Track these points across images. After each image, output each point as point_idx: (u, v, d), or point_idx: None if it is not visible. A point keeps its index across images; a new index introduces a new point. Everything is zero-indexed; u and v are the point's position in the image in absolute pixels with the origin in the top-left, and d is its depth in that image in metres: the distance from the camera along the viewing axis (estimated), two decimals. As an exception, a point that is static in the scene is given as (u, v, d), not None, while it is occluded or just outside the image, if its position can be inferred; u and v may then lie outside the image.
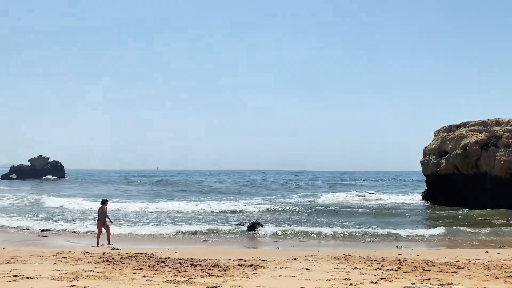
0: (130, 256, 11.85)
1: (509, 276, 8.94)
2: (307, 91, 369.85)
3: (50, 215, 24.59)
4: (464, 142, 29.87)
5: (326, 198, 40.39)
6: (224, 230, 19.29)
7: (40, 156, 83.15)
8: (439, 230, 19.20)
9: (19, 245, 14.75)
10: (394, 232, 18.90)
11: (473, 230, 19.29)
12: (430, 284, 7.81)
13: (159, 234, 18.44)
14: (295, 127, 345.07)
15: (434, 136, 35.03)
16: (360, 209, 29.59)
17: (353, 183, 76.17)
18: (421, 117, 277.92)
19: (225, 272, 9.32)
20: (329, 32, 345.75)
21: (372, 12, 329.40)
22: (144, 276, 8.56)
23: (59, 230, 19.46)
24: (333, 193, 46.09)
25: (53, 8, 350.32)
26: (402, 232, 18.85)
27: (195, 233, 18.71)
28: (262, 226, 19.60)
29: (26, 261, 10.65)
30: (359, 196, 43.37)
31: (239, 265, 10.39)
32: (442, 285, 7.80)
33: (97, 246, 14.90)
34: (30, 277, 8.17)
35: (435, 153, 33.19)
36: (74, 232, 19.09)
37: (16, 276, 8.23)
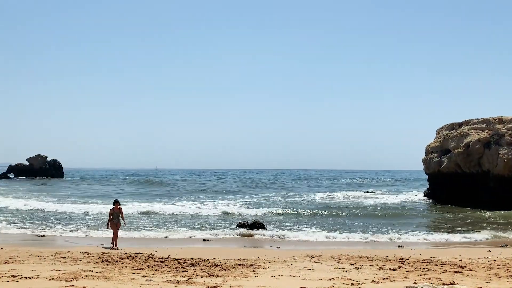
0: (130, 256, 11.78)
1: (512, 276, 8.85)
2: (307, 89, 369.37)
3: None
4: (466, 140, 29.73)
5: (327, 197, 40.26)
6: (224, 230, 19.23)
7: (38, 155, 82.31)
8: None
9: (18, 245, 14.69)
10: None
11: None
12: (432, 283, 7.73)
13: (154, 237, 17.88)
14: (295, 126, 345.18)
15: (436, 134, 34.88)
16: (363, 209, 29.48)
17: (356, 183, 76.07)
18: (421, 116, 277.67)
19: (225, 272, 9.25)
20: (329, 31, 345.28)
21: (373, 11, 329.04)
22: (143, 276, 8.51)
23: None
24: (334, 193, 46.03)
25: (54, 8, 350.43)
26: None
27: (194, 233, 18.64)
28: (262, 225, 19.52)
29: (25, 261, 10.58)
30: (361, 194, 43.29)
31: (239, 264, 10.32)
32: (444, 284, 7.72)
33: (116, 248, 14.23)
34: (29, 277, 8.11)
35: (437, 152, 33.06)
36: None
37: (14, 276, 8.18)
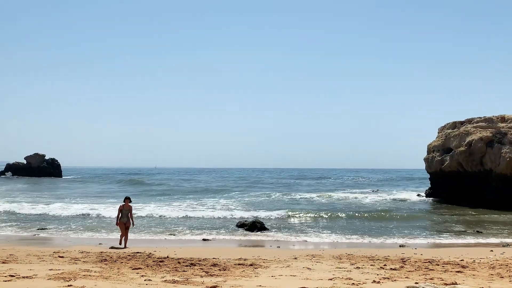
0: (128, 256, 11.71)
1: (515, 276, 8.75)
2: (306, 89, 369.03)
3: None
4: (468, 139, 29.59)
5: (327, 197, 40.15)
6: (224, 229, 19.16)
7: (36, 154, 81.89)
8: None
9: (15, 244, 14.62)
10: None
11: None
12: (434, 283, 7.65)
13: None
14: (295, 125, 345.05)
15: (438, 133, 34.75)
16: (363, 208, 29.40)
17: (357, 182, 75.93)
18: (423, 115, 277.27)
19: (225, 271, 9.18)
20: (329, 30, 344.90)
21: (373, 11, 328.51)
22: (142, 276, 8.44)
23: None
24: (334, 192, 45.94)
25: (54, 7, 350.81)
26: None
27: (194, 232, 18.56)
28: (262, 225, 19.43)
29: (22, 260, 10.52)
30: (361, 194, 43.15)
31: (239, 264, 10.24)
32: (446, 284, 7.64)
33: (124, 247, 13.91)
34: (26, 276, 8.06)
35: (439, 150, 32.94)
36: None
37: (12, 276, 8.13)
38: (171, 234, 18.11)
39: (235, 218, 22.92)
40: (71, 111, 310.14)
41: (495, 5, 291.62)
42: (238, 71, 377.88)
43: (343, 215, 24.93)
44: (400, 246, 15.48)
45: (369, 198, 38.53)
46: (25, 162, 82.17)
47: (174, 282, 7.83)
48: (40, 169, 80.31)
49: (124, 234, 14.33)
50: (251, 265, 10.13)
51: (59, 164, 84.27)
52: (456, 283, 7.78)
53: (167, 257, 11.44)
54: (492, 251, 13.51)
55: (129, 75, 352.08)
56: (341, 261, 11.12)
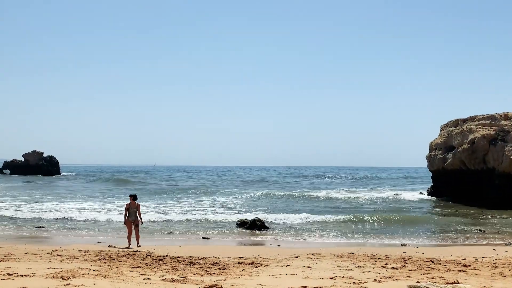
0: (127, 254, 11.65)
1: (518, 275, 8.67)
2: (306, 88, 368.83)
3: None
4: (471, 136, 29.44)
5: (327, 195, 40.03)
6: (224, 228, 19.09)
7: (34, 151, 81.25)
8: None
9: (13, 242, 14.55)
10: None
11: None
12: (435, 282, 7.57)
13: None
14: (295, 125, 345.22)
15: (441, 130, 34.59)
16: (363, 206, 29.30)
17: (357, 180, 75.82)
18: (425, 112, 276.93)
19: (224, 270, 9.12)
20: (336, 24, 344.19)
21: (373, 9, 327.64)
22: (141, 275, 8.40)
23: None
24: (334, 190, 45.85)
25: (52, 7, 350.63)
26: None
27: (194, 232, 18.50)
28: (262, 223, 19.36)
29: (20, 259, 10.48)
30: (362, 191, 43.04)
31: (239, 263, 10.18)
32: (448, 283, 7.56)
33: (129, 247, 13.54)
34: (25, 275, 8.04)
35: (442, 148, 32.79)
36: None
37: (10, 274, 8.11)
38: (170, 233, 18.02)
39: (235, 216, 22.84)
40: (70, 108, 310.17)
41: (500, 3, 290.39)
42: (239, 66, 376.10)
43: (344, 213, 24.81)
44: (401, 245, 15.38)
45: (370, 196, 38.41)
46: (23, 159, 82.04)
47: (173, 280, 7.78)
48: (38, 166, 79.99)
49: (131, 233, 14.04)
50: (251, 263, 10.07)
51: (57, 162, 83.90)
52: (458, 282, 7.71)
53: (167, 255, 11.38)
54: (494, 250, 13.42)
55: (128, 71, 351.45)
56: (342, 260, 11.05)
